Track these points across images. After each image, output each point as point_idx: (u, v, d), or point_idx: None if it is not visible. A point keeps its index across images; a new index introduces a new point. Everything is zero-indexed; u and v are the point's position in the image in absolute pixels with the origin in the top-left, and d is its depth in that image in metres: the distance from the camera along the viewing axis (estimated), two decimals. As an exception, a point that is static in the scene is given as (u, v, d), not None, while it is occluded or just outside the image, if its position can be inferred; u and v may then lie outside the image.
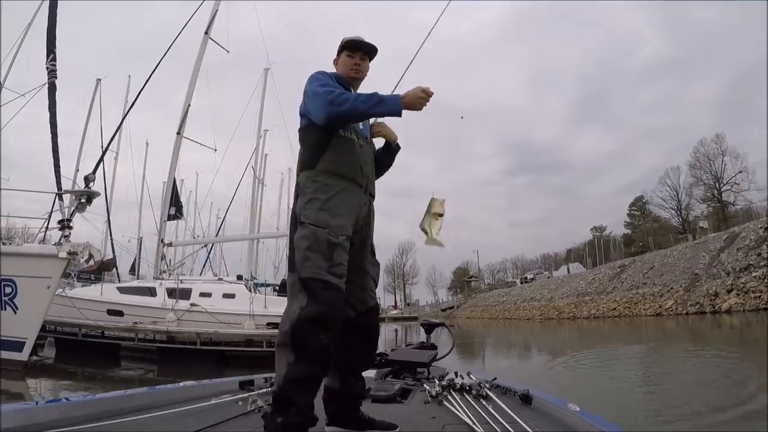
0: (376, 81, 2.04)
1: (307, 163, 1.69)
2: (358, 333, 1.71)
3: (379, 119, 1.84)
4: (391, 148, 1.94)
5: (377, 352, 2.96)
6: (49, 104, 8.79)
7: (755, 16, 39.02)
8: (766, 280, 18.51)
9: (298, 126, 1.78)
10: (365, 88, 1.96)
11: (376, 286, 1.80)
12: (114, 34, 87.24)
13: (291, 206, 1.78)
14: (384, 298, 70.12)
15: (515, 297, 46.11)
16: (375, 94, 1.60)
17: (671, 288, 24.32)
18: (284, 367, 1.45)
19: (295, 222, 1.63)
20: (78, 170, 17.33)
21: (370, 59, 1.89)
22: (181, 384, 2.15)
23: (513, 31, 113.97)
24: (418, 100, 1.61)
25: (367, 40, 1.87)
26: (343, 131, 1.71)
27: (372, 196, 1.80)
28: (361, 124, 1.81)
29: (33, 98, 10.20)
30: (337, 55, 1.89)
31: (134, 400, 1.83)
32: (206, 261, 22.19)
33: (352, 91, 1.81)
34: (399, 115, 1.61)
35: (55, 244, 7.94)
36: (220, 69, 16.57)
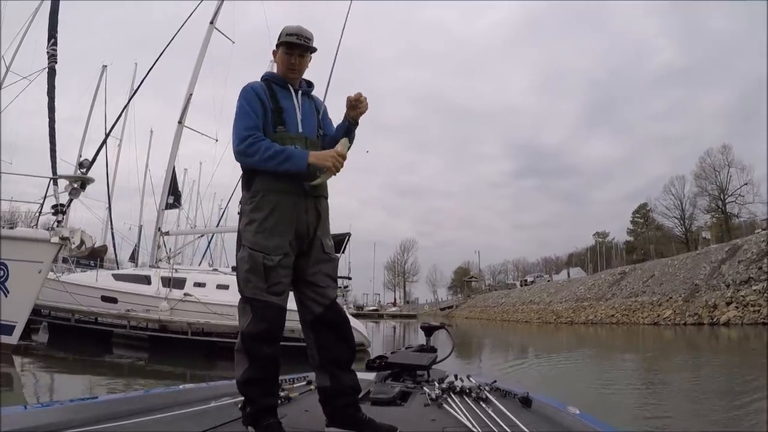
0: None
1: (245, 184, 1.74)
2: (331, 325, 1.75)
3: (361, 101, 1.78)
4: (352, 128, 1.84)
5: (378, 354, 3.03)
6: (48, 89, 8.82)
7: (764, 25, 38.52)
8: (765, 295, 18.38)
9: None
10: (310, 75, 1.92)
11: (334, 281, 1.82)
12: (125, 22, 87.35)
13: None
14: (384, 295, 70.29)
15: (514, 299, 46.09)
16: (283, 151, 1.64)
17: (670, 297, 24.21)
18: (238, 371, 1.65)
19: (239, 241, 1.72)
20: (81, 156, 17.39)
21: (312, 52, 1.84)
22: (180, 386, 2.14)
23: (525, 33, 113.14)
24: (328, 159, 1.66)
25: (306, 31, 1.80)
26: (278, 143, 1.69)
27: (318, 197, 1.77)
28: (300, 125, 1.77)
29: (40, 84, 10.22)
30: (276, 47, 1.83)
31: (132, 403, 1.80)
32: (206, 251, 22.28)
33: (291, 88, 1.82)
34: (304, 170, 1.64)
35: (47, 229, 7.96)
36: (226, 60, 16.47)
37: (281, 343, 1.67)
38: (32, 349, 9.82)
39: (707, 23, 73.79)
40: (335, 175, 1.70)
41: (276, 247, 1.65)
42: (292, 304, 1.74)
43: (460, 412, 1.78)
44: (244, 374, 1.62)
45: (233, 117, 1.72)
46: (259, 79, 1.84)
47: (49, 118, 8.67)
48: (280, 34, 1.80)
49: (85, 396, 3.45)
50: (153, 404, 1.81)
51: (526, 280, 56.38)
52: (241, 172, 1.76)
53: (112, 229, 18.91)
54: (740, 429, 4.07)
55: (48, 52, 9.07)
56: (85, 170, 8.16)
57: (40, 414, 1.59)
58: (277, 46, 1.82)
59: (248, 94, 1.73)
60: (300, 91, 1.84)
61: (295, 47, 1.79)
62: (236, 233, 1.76)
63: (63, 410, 1.63)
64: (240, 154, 1.66)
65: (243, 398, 1.67)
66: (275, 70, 1.88)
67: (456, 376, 2.36)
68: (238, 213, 1.77)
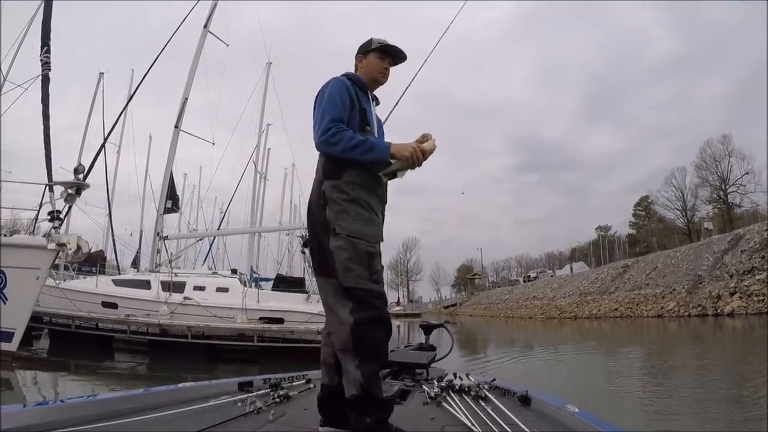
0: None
1: (331, 173, 1.70)
2: None
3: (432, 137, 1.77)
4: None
5: None
6: (42, 96, 8.83)
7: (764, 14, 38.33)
8: (769, 283, 18.27)
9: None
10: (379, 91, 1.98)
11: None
12: (124, 29, 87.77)
13: (307, 206, 1.80)
14: (387, 294, 70.14)
15: (518, 295, 45.95)
16: (366, 140, 1.65)
17: (674, 289, 24.09)
18: (355, 369, 1.54)
19: (327, 230, 1.66)
20: (80, 163, 17.37)
21: (401, 61, 1.94)
22: (180, 385, 2.14)
23: (523, 28, 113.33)
24: (408, 149, 1.65)
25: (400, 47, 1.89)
26: None
27: (385, 202, 1.85)
28: (377, 131, 1.83)
29: (37, 92, 10.20)
30: (363, 54, 1.89)
31: (133, 401, 1.81)
32: (207, 254, 22.32)
33: (369, 94, 1.87)
34: (385, 162, 1.65)
35: (44, 235, 7.98)
36: (222, 63, 16.56)
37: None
38: (33, 356, 9.83)
39: (704, 11, 73.44)
40: (412, 169, 1.69)
41: (374, 235, 1.68)
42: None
43: (459, 411, 1.79)
44: (362, 370, 1.53)
45: (320, 112, 1.69)
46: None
47: (43, 125, 8.67)
48: (371, 42, 1.88)
49: (85, 394, 3.45)
50: (153, 402, 1.83)
51: (529, 276, 56.17)
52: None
53: (112, 235, 18.89)
54: (741, 429, 4.04)
55: (41, 60, 9.08)
56: (80, 176, 8.18)
57: (39, 412, 1.58)
58: (366, 52, 1.88)
59: (341, 87, 1.74)
60: (373, 101, 1.91)
61: (389, 55, 1.89)
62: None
63: (62, 408, 1.62)
64: (323, 144, 1.65)
65: (355, 405, 1.55)
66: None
67: (455, 375, 2.37)
68: (321, 202, 1.70)
